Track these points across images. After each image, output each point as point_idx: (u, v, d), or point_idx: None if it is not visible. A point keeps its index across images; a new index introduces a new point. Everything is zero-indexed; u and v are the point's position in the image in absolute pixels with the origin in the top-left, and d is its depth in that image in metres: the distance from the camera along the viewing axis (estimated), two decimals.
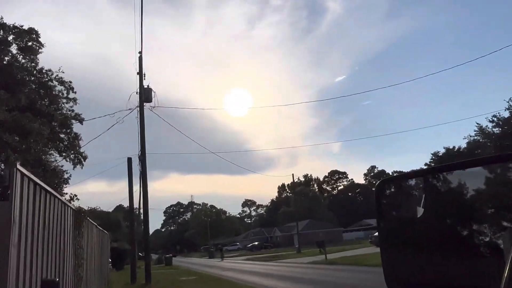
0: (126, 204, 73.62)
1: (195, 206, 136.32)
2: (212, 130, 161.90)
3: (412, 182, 1.64)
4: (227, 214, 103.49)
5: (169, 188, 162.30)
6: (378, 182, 1.59)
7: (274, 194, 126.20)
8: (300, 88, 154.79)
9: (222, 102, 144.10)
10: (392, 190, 1.67)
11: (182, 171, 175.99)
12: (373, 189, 1.75)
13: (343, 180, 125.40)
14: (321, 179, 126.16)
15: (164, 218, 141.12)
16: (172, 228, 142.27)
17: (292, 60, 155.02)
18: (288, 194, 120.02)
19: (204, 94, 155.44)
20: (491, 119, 45.13)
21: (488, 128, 46.09)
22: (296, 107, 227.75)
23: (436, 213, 1.53)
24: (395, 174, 1.76)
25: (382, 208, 1.62)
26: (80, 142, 22.66)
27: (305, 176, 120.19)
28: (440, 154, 59.69)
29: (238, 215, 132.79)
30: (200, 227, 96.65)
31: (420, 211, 1.51)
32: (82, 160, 22.83)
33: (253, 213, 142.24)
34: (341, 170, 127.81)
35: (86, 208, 8.34)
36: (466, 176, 1.38)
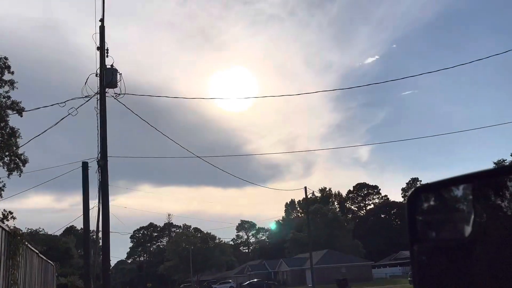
0: (79, 225, 73.59)
1: (173, 229, 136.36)
2: (199, 126, 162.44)
3: (458, 191, 1.63)
4: (217, 241, 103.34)
5: (139, 205, 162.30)
6: (412, 191, 1.58)
7: (280, 214, 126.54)
8: (317, 72, 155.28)
9: (213, 89, 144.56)
10: (431, 202, 1.66)
11: (157, 181, 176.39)
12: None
13: (374, 197, 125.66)
14: (344, 195, 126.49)
15: (131, 245, 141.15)
16: (142, 258, 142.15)
17: (307, 35, 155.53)
18: (299, 214, 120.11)
19: (188, 78, 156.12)
20: None
21: None
22: (312, 97, 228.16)
23: (491, 234, 1.51)
24: (434, 181, 1.74)
25: (417, 226, 1.60)
26: (18, 140, 22.67)
27: (322, 191, 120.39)
28: (507, 163, 59.81)
29: (232, 242, 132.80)
30: (179, 258, 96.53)
31: (468, 230, 1.50)
32: (21, 164, 22.82)
33: (252, 240, 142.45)
34: (371, 183, 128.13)
35: (24, 230, 8.32)
36: None
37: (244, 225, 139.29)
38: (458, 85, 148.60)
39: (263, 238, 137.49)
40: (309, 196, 61.24)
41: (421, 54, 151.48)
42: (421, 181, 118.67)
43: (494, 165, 61.35)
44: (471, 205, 1.53)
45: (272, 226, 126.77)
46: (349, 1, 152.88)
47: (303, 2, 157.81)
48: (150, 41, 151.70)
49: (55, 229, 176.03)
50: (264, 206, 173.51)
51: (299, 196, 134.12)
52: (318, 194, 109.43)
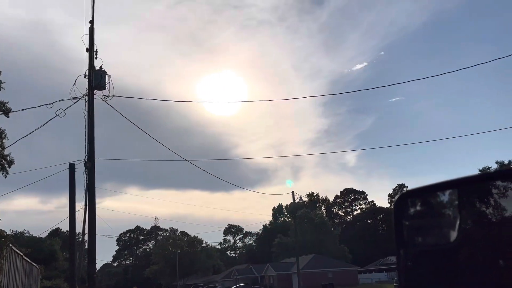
0: (65, 228, 72.81)
1: (160, 233, 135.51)
2: (188, 130, 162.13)
3: (444, 196, 1.64)
4: (204, 245, 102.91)
5: (125, 208, 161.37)
6: (398, 196, 1.58)
7: (267, 218, 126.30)
8: (306, 77, 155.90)
9: (202, 93, 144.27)
10: (417, 207, 1.67)
11: (144, 184, 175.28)
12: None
13: (361, 203, 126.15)
14: (331, 200, 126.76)
15: (117, 248, 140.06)
16: (128, 262, 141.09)
17: (297, 40, 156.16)
18: (286, 219, 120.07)
19: (177, 82, 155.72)
20: None
21: None
22: (300, 102, 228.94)
23: (476, 239, 1.52)
24: (420, 186, 1.74)
25: (403, 231, 1.61)
26: (4, 141, 22.41)
27: (310, 196, 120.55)
28: (491, 171, 60.48)
29: (219, 246, 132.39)
30: (166, 262, 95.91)
31: (454, 235, 1.51)
32: (6, 165, 22.56)
33: (239, 244, 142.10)
34: (358, 188, 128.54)
35: (8, 232, 8.22)
36: None
37: (231, 229, 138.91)
38: (444, 93, 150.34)
39: (250, 242, 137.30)
40: (296, 201, 61.28)
41: (408, 62, 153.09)
42: (407, 187, 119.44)
43: (479, 172, 62.01)
44: (457, 210, 1.54)
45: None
46: (338, 8, 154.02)
47: (293, 8, 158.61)
48: (140, 44, 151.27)
49: (41, 231, 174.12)
50: (252, 210, 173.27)
51: (287, 200, 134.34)
52: (305, 199, 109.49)
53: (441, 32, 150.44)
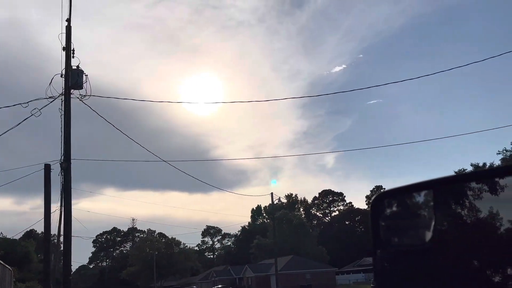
0: (40, 229, 71.69)
1: (137, 234, 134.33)
2: (166, 130, 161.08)
3: (420, 197, 1.66)
4: (182, 246, 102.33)
5: (102, 209, 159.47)
6: (375, 197, 1.59)
7: (246, 220, 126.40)
8: (285, 79, 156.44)
9: (181, 93, 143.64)
10: (394, 208, 1.68)
11: (121, 185, 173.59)
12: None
13: (339, 204, 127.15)
14: (310, 201, 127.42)
15: (93, 250, 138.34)
16: (105, 264, 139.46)
17: (276, 42, 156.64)
18: (265, 220, 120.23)
19: (156, 82, 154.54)
20: None
21: None
22: (280, 104, 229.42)
23: (451, 239, 1.54)
24: (397, 187, 1.76)
25: (380, 231, 1.62)
26: None
27: (289, 197, 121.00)
28: (466, 173, 61.56)
29: (197, 248, 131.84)
30: (143, 263, 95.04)
31: (429, 236, 1.52)
32: None
33: (217, 245, 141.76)
34: (336, 190, 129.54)
35: None
36: (500, 201, 1.36)
37: (210, 231, 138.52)
38: (422, 95, 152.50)
39: (229, 243, 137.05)
40: (275, 202, 61.43)
41: (386, 65, 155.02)
42: (384, 188, 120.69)
43: (455, 174, 63.00)
44: (432, 211, 1.56)
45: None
46: (318, 11, 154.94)
47: (273, 9, 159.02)
48: (118, 43, 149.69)
49: (15, 233, 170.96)
50: (230, 212, 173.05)
51: (265, 202, 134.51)
52: (284, 200, 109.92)
53: (419, 35, 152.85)
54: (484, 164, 60.90)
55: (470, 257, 1.49)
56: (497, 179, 1.47)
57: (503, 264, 1.39)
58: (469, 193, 1.51)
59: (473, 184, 1.52)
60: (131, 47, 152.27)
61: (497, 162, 56.38)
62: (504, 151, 53.47)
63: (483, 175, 1.57)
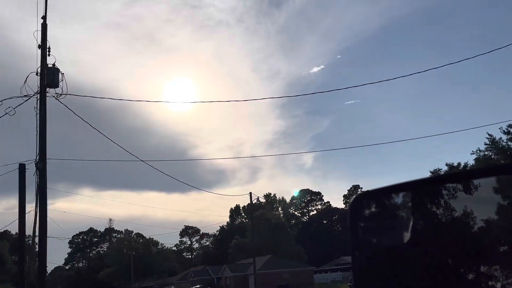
0: (14, 230, 70.41)
1: (114, 235, 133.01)
2: (144, 130, 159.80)
3: (398, 198, 1.68)
4: (160, 247, 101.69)
5: (78, 209, 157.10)
6: (354, 197, 1.61)
7: (225, 219, 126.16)
8: (264, 79, 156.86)
9: (159, 93, 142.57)
10: (373, 209, 1.70)
11: (98, 185, 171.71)
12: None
13: (317, 203, 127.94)
14: (288, 200, 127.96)
15: (69, 250, 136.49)
16: (81, 265, 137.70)
17: (255, 42, 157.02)
18: (243, 220, 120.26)
19: (134, 81, 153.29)
20: (506, 130, 47.89)
21: (503, 141, 48.83)
22: (258, 104, 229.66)
23: (428, 241, 1.57)
24: (376, 188, 1.78)
25: (359, 232, 1.64)
26: None
27: (267, 196, 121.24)
28: (442, 173, 62.51)
29: (175, 248, 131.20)
30: (120, 264, 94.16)
31: (407, 236, 1.54)
32: None
33: (196, 245, 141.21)
34: (314, 189, 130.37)
35: None
36: (474, 200, 1.40)
37: (188, 231, 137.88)
38: (399, 96, 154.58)
39: (207, 243, 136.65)
40: (254, 202, 61.49)
41: (364, 65, 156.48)
42: (361, 188, 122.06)
43: (431, 174, 63.96)
44: (410, 212, 1.59)
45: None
46: (296, 11, 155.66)
47: (252, 9, 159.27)
48: (95, 42, 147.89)
49: None
50: (209, 212, 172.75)
51: (244, 201, 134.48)
52: (262, 200, 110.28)
53: (396, 37, 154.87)
54: (459, 164, 61.86)
55: (446, 256, 1.52)
56: (472, 180, 1.50)
57: (477, 261, 1.43)
58: (444, 192, 1.54)
59: (449, 184, 1.55)
60: (108, 45, 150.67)
61: (471, 162, 57.50)
62: (478, 151, 54.48)
63: (460, 176, 1.60)
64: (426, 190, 1.62)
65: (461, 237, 1.51)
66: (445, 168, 63.36)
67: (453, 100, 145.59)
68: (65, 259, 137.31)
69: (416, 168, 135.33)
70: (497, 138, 50.20)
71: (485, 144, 52.20)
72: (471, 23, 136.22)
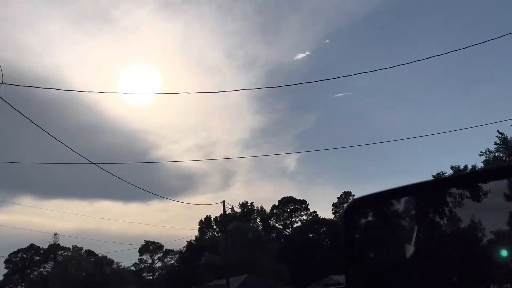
0: None
1: (60, 252, 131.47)
2: (96, 127, 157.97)
3: (399, 204, 1.68)
4: (115, 266, 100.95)
5: (17, 222, 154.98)
6: (348, 204, 1.61)
7: (193, 233, 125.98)
8: (240, 67, 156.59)
9: (114, 83, 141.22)
10: (370, 217, 1.70)
11: (41, 193, 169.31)
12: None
13: (301, 213, 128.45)
14: (268, 210, 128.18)
15: (5, 271, 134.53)
16: None
17: (229, 23, 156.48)
18: (215, 233, 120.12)
19: (84, 68, 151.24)
20: None
21: None
22: (233, 96, 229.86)
23: (434, 253, 1.57)
24: (373, 193, 1.78)
25: (354, 245, 1.63)
26: None
27: (243, 206, 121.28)
28: (449, 176, 63.36)
29: (133, 268, 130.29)
30: (68, 287, 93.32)
31: (411, 249, 1.55)
32: None
33: (158, 264, 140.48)
34: (299, 197, 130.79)
35: None
36: (483, 209, 1.40)
37: (149, 247, 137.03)
38: (397, 88, 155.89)
39: (172, 262, 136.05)
40: (227, 212, 61.46)
41: (357, 52, 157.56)
42: (353, 195, 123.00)
43: (433, 178, 64.75)
44: (414, 220, 1.59)
45: None
46: None
47: None
48: (38, 22, 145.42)
49: None
50: (174, 224, 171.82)
51: (216, 211, 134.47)
52: (238, 210, 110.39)
53: (394, 19, 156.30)
54: (466, 166, 62.81)
55: (451, 273, 1.53)
56: (481, 184, 1.51)
57: (487, 281, 1.43)
58: (449, 199, 1.54)
59: (454, 190, 1.56)
60: (54, 26, 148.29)
61: (479, 164, 58.41)
62: (487, 152, 55.43)
63: (463, 179, 1.61)
64: (433, 194, 1.62)
65: (468, 252, 1.51)
66: (449, 171, 64.27)
67: (459, 93, 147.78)
68: (1, 281, 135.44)
69: (416, 171, 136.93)
70: (509, 137, 51.22)
71: (495, 143, 53.21)
72: (484, 2, 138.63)
